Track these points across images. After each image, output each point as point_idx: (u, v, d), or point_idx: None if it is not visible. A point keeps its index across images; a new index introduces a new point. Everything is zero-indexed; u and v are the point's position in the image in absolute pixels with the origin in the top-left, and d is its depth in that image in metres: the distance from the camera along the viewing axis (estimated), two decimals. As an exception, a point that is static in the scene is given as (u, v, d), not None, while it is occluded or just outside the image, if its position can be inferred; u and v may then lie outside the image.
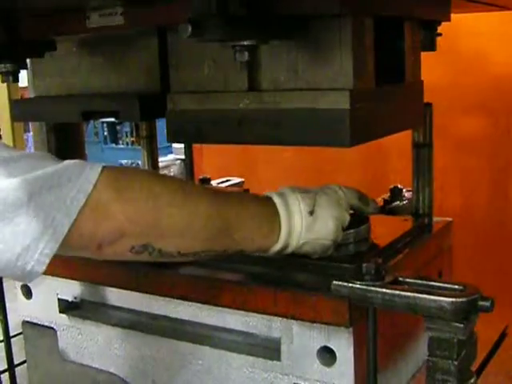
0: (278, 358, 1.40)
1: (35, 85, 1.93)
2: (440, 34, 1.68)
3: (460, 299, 1.13)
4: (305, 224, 1.34)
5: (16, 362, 1.94)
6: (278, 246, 1.34)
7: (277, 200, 1.34)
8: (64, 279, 1.68)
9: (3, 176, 1.05)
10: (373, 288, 1.21)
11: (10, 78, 1.66)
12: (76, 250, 1.17)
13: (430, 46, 1.65)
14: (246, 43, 1.22)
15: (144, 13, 1.48)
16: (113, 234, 1.14)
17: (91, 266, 1.61)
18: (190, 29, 1.14)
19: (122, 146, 9.95)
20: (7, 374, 1.91)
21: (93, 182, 1.10)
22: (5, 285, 1.87)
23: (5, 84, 3.82)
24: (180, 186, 1.29)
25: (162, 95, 1.53)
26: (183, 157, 2.52)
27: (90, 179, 1.10)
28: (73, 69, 1.77)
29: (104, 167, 1.14)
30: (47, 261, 1.07)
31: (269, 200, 1.35)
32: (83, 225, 1.10)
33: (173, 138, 1.51)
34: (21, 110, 1.93)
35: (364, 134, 1.35)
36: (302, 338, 1.37)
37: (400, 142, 1.72)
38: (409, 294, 1.18)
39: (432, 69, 1.71)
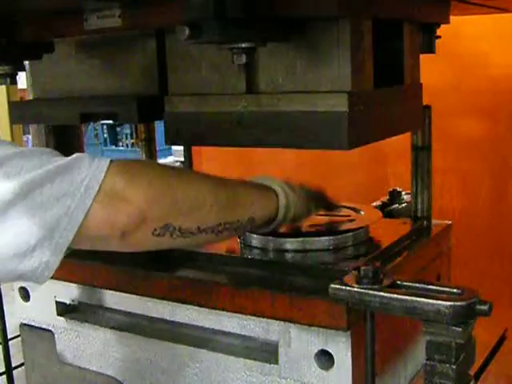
0: (276, 362, 1.40)
1: (34, 87, 1.93)
2: (439, 37, 1.67)
3: (458, 303, 1.13)
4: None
5: (14, 364, 1.93)
6: (282, 209, 1.41)
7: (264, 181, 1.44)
8: (62, 282, 1.67)
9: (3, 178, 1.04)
10: (370, 291, 1.20)
11: (8, 80, 1.66)
12: (96, 240, 1.15)
13: (429, 49, 1.64)
14: (243, 46, 1.22)
15: (142, 15, 1.48)
16: (135, 220, 1.14)
17: (89, 269, 1.61)
18: (187, 31, 1.14)
19: (122, 148, 9.97)
20: (5, 376, 1.91)
21: (104, 170, 1.10)
22: (2, 287, 1.87)
23: (4, 86, 3.82)
24: (181, 169, 1.45)
25: (160, 97, 1.53)
26: (183, 159, 2.52)
27: (100, 168, 1.10)
28: (71, 71, 1.77)
29: (111, 159, 1.14)
30: (64, 250, 1.06)
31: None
32: (101, 213, 1.10)
33: (171, 140, 1.51)
34: (19, 113, 1.93)
35: (362, 137, 1.35)
36: (299, 342, 1.36)
37: (400, 144, 1.72)
38: (406, 297, 1.17)
39: (431, 71, 1.70)
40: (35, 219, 1.03)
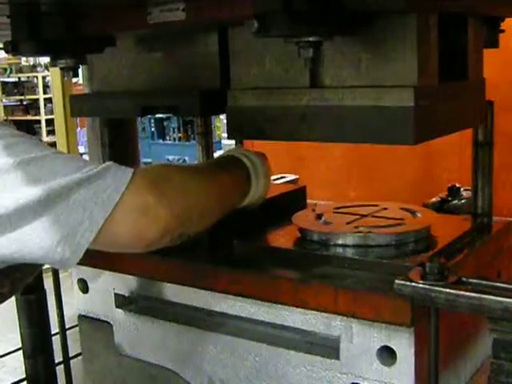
0: (337, 357, 1.39)
1: (92, 80, 1.94)
2: (503, 31, 1.65)
3: (527, 301, 1.11)
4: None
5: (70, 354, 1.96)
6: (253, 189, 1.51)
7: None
8: (120, 274, 1.69)
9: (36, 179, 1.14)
10: (436, 288, 1.20)
11: (70, 74, 1.68)
12: (120, 247, 1.28)
13: (493, 43, 1.62)
14: (311, 39, 1.21)
15: (206, 8, 1.48)
16: (162, 234, 1.25)
17: (148, 262, 1.62)
18: (256, 25, 1.14)
19: (169, 142, 10.01)
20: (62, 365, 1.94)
21: (126, 183, 1.18)
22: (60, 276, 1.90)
23: (59, 80, 3.86)
24: (192, 172, 1.42)
25: (221, 91, 1.53)
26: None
27: (124, 180, 1.19)
28: (131, 64, 1.78)
29: (135, 171, 1.21)
30: (83, 250, 1.17)
31: (241, 163, 1.50)
32: (131, 226, 1.21)
33: (233, 134, 1.51)
34: (79, 106, 1.94)
35: (428, 132, 1.34)
36: (362, 337, 1.35)
37: (452, 139, 1.69)
38: (473, 294, 1.16)
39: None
40: (61, 220, 1.15)
